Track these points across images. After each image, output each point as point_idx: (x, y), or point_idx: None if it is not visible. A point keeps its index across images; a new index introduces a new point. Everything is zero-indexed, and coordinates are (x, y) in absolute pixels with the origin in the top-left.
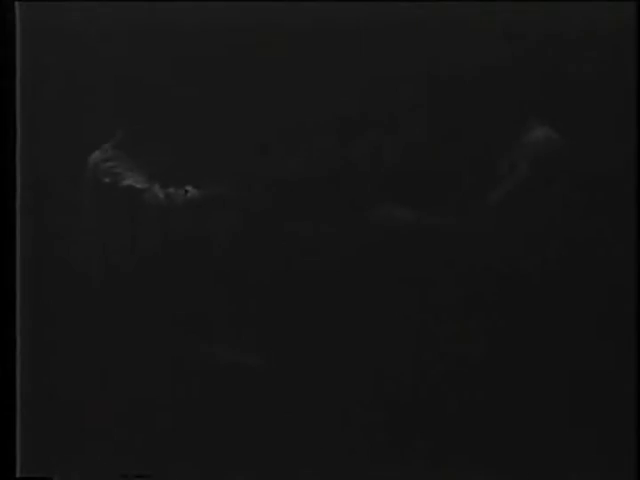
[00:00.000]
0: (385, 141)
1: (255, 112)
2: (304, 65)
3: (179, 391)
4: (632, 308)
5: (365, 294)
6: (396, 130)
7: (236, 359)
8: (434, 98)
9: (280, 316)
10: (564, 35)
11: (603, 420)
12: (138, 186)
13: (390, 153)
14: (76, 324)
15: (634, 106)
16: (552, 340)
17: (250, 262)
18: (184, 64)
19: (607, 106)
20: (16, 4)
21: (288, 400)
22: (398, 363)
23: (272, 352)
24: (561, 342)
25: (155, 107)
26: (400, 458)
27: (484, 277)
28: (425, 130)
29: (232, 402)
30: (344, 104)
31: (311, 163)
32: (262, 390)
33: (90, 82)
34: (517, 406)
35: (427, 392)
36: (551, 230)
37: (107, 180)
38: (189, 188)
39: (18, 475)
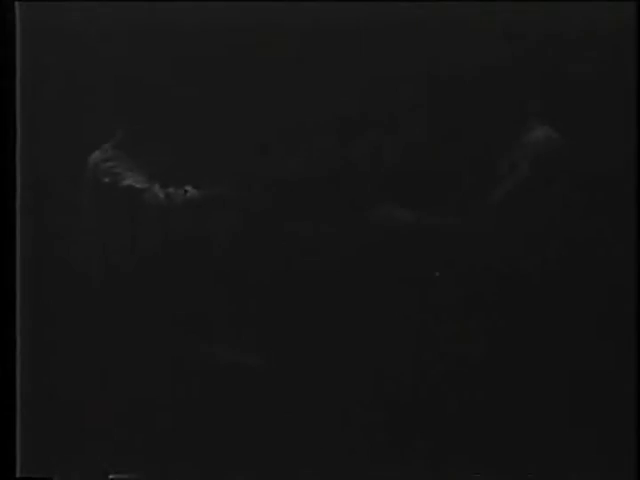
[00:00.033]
0: (385, 141)
1: (255, 112)
2: (304, 65)
3: (179, 391)
4: (632, 308)
5: (365, 294)
6: (396, 130)
7: (236, 359)
8: (434, 98)
9: (280, 316)
10: (564, 35)
11: (603, 420)
12: (138, 186)
13: (390, 153)
14: (76, 324)
15: (634, 106)
16: (552, 340)
17: (250, 262)
18: (184, 64)
19: (607, 106)
20: (16, 4)
21: (288, 400)
22: (398, 363)
23: (272, 352)
24: (561, 342)
25: (155, 107)
26: (400, 458)
27: (484, 277)
28: (425, 130)
29: (232, 402)
30: (344, 104)
31: (311, 163)
32: (262, 390)
33: (90, 82)
34: (517, 406)
35: (427, 392)
36: (551, 230)
37: (107, 180)
38: (189, 188)
39: (18, 475)
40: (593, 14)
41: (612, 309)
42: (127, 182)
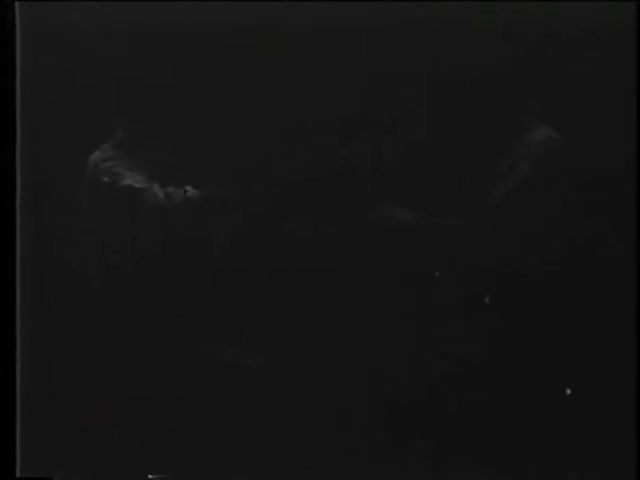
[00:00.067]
0: (385, 141)
1: (255, 112)
2: (304, 65)
3: (179, 391)
4: (632, 308)
5: (365, 294)
6: (396, 130)
7: (236, 359)
8: (434, 98)
9: (280, 316)
10: (564, 35)
11: (603, 420)
12: (137, 185)
13: (390, 153)
14: (76, 324)
15: (634, 106)
16: (552, 340)
17: (250, 262)
18: (184, 64)
19: (607, 106)
20: (16, 4)
21: (288, 400)
22: (398, 363)
23: (272, 352)
24: (561, 342)
25: (155, 107)
26: (400, 458)
27: (484, 277)
28: (425, 130)
29: (232, 402)
30: (344, 104)
31: (311, 163)
32: (262, 390)
33: (90, 82)
34: (517, 406)
35: (427, 392)
36: (551, 230)
37: (106, 180)
38: (188, 188)
39: (18, 475)
40: (593, 14)
41: (612, 309)
42: (126, 182)
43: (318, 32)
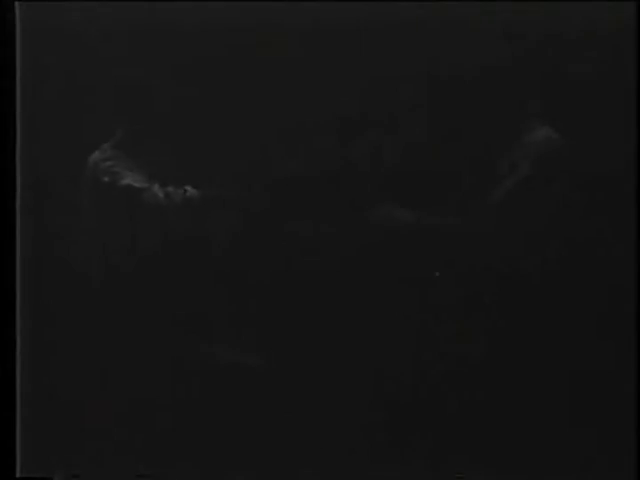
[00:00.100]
0: (385, 141)
1: (255, 112)
2: (304, 65)
3: (179, 391)
4: (632, 308)
5: (365, 294)
6: (396, 130)
7: (236, 359)
8: (434, 98)
9: (280, 316)
10: (564, 35)
11: (603, 420)
12: (137, 185)
13: (390, 153)
14: (76, 324)
15: (634, 106)
16: (552, 340)
17: (250, 262)
18: (184, 64)
19: (607, 106)
20: (16, 4)
21: (288, 400)
22: (398, 363)
23: (272, 352)
24: (561, 342)
25: (155, 107)
26: (400, 458)
27: (484, 277)
28: (425, 130)
29: (232, 402)
30: (344, 104)
31: (311, 163)
32: (262, 390)
33: (90, 82)
34: (517, 406)
35: (427, 392)
36: (551, 230)
37: (106, 179)
38: (188, 188)
39: (18, 475)
40: (593, 14)
41: (612, 309)
42: (126, 181)
43: (318, 32)
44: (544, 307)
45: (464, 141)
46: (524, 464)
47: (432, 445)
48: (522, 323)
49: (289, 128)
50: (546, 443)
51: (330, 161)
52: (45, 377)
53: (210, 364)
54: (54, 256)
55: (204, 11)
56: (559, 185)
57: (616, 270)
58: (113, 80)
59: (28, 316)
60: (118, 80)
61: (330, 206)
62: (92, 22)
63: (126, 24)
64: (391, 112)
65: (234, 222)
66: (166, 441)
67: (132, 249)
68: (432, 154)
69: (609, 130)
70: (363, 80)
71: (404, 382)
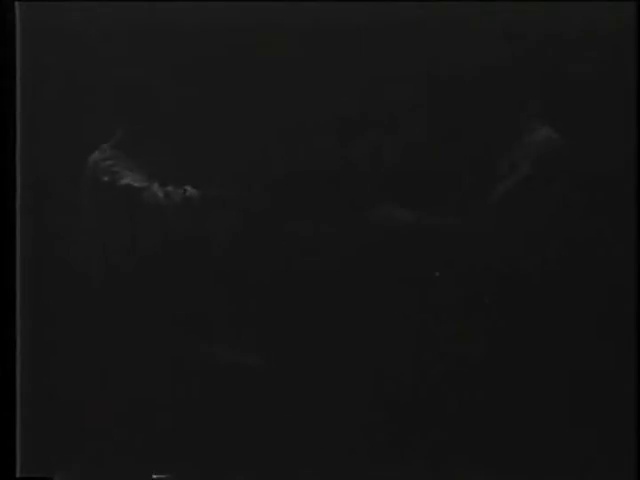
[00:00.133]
0: (385, 141)
1: (255, 112)
2: (304, 65)
3: (179, 391)
4: (632, 308)
5: (365, 294)
6: (396, 130)
7: (236, 359)
8: (434, 98)
9: (280, 316)
10: (564, 35)
11: (603, 420)
12: (136, 185)
13: (390, 153)
14: (76, 324)
15: (634, 106)
16: (552, 340)
17: (250, 262)
18: (184, 64)
19: (607, 106)
20: (16, 4)
21: (288, 400)
22: (398, 363)
23: (272, 352)
24: (561, 342)
25: (155, 107)
26: (400, 458)
27: (484, 277)
28: (425, 130)
29: (232, 402)
30: (344, 104)
31: (311, 163)
32: (262, 390)
33: (90, 82)
34: (517, 406)
35: (427, 392)
36: (551, 230)
37: (106, 179)
38: (188, 188)
39: (18, 475)
40: (593, 14)
41: (612, 309)
42: (125, 181)
43: (318, 32)
44: (544, 307)
45: (464, 141)
46: (524, 464)
47: (432, 445)
48: (522, 323)
49: (289, 128)
50: (546, 443)
51: (330, 161)
52: (45, 377)
53: (210, 364)
54: (54, 256)
55: (204, 11)
56: (559, 185)
57: (616, 270)
58: (113, 80)
59: (28, 316)
60: (118, 80)
61: (330, 206)
62: (92, 22)
63: (126, 24)
64: (391, 112)
65: (234, 222)
66: (166, 441)
67: (132, 249)
68: (432, 154)
69: (609, 130)
70: (363, 80)
71: (404, 382)
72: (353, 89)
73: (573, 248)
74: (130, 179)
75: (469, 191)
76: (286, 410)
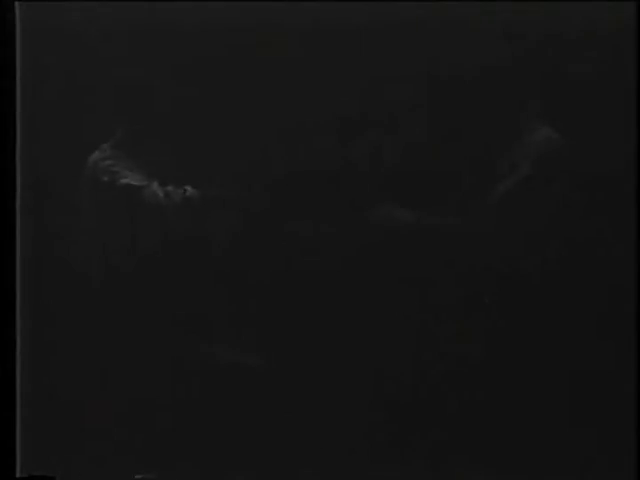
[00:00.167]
0: (385, 141)
1: (255, 112)
2: (304, 65)
3: (179, 391)
4: (632, 308)
5: (365, 294)
6: (396, 130)
7: (236, 359)
8: (434, 98)
9: (280, 316)
10: (564, 35)
11: (603, 420)
12: (136, 184)
13: (390, 153)
14: (76, 324)
15: (634, 106)
16: (552, 340)
17: (250, 262)
18: (184, 64)
19: (607, 106)
20: (16, 4)
21: (288, 400)
22: (398, 363)
23: (272, 352)
24: (561, 342)
25: (154, 107)
26: (400, 458)
27: (484, 277)
28: (425, 130)
29: (232, 402)
30: (344, 104)
31: (311, 163)
32: (262, 390)
33: (90, 82)
34: (517, 406)
35: (427, 392)
36: (551, 230)
37: (106, 179)
38: (188, 188)
39: (18, 475)
40: (593, 14)
41: (612, 309)
42: (125, 181)
43: (318, 32)
44: (544, 307)
45: (464, 141)
46: (524, 464)
47: (432, 445)
48: (522, 323)
49: (289, 128)
50: (546, 443)
51: (330, 161)
52: (45, 377)
53: (210, 364)
54: (54, 256)
55: (204, 11)
56: (559, 185)
57: (616, 270)
58: (113, 80)
59: (28, 316)
60: (118, 80)
61: (330, 206)
62: (92, 22)
63: (126, 24)
64: (391, 112)
65: (234, 222)
66: (166, 441)
67: (132, 249)
68: (432, 154)
69: (609, 130)
70: (363, 80)
71: (404, 382)
72: (353, 89)
73: (573, 248)
74: (130, 179)
75: (469, 191)
76: (286, 410)
